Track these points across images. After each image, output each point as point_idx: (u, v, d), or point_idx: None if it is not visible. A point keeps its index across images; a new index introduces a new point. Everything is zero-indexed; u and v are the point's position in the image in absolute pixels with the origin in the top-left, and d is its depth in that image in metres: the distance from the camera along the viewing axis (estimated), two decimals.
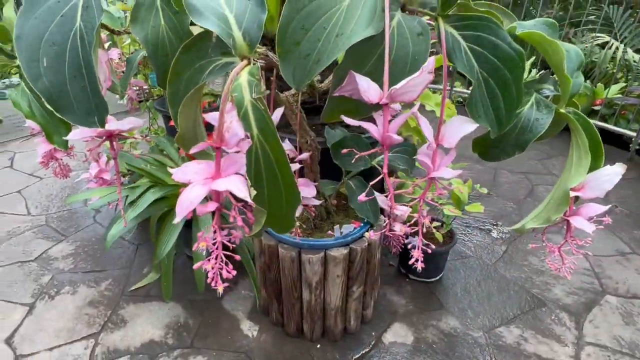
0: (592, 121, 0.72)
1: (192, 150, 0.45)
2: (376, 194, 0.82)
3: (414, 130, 1.68)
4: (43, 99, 0.58)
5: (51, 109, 0.58)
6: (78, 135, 0.72)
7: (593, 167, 0.74)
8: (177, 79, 0.56)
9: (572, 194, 0.70)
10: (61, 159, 1.32)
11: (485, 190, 1.73)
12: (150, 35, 0.62)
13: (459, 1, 0.59)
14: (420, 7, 0.61)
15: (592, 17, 2.95)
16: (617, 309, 1.63)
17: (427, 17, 0.62)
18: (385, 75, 0.54)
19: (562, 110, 0.75)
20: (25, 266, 1.84)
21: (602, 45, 3.01)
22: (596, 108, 2.81)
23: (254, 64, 0.45)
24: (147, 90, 2.13)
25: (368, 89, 0.54)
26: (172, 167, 1.62)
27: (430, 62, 0.53)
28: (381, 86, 0.54)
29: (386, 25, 0.54)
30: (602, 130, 2.66)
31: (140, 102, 2.12)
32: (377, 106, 0.54)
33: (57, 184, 2.45)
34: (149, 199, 1.40)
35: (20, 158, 2.77)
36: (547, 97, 0.79)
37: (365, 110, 0.61)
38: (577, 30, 2.93)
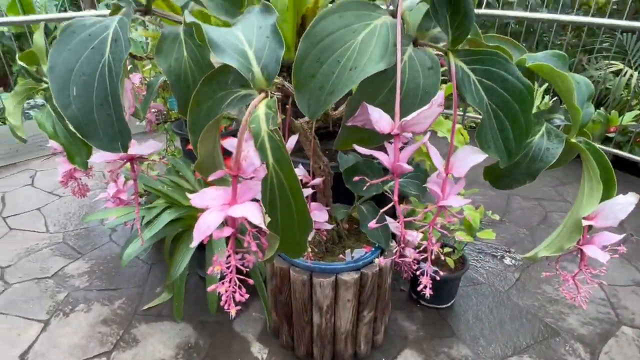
0: (606, 148, 0.73)
1: (211, 178, 0.47)
2: (388, 219, 0.83)
3: (426, 155, 1.69)
4: (71, 125, 0.60)
5: (78, 134, 0.61)
6: (100, 158, 0.75)
7: (606, 196, 0.74)
8: (198, 108, 0.58)
9: (585, 222, 0.70)
10: (80, 179, 1.37)
11: (497, 217, 1.73)
12: (174, 66, 0.65)
13: (468, 37, 0.61)
14: (431, 41, 0.64)
15: (605, 45, 2.96)
16: (634, 340, 1.59)
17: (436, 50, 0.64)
18: (397, 107, 0.56)
19: (573, 140, 0.76)
20: (42, 283, 1.87)
21: (617, 73, 3.01)
22: (610, 135, 2.80)
23: (271, 97, 0.47)
24: (165, 113, 2.20)
25: (380, 119, 0.56)
26: (188, 189, 1.65)
27: (440, 96, 0.55)
28: (393, 117, 0.56)
29: (398, 60, 0.56)
30: (617, 158, 2.64)
31: (158, 124, 2.18)
32: (389, 136, 0.56)
33: (75, 203, 2.50)
34: (165, 220, 1.43)
35: (41, 176, 2.84)
36: (557, 126, 0.80)
37: (377, 139, 0.63)
38: (590, 57, 2.94)
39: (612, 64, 2.82)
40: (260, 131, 0.46)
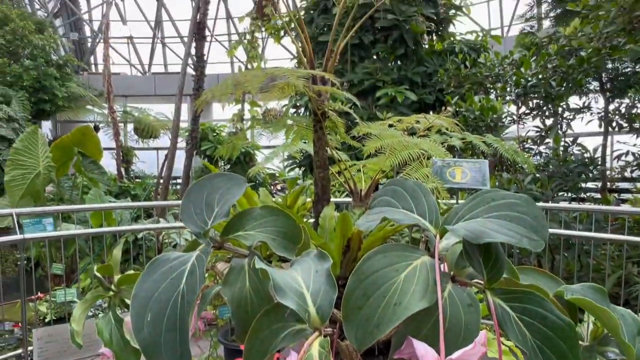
0: None
1: None
2: None
3: None
4: (139, 347, 0.66)
5: (143, 355, 0.66)
6: None
7: None
8: (255, 336, 0.64)
9: None
10: None
11: None
12: (236, 294, 0.73)
13: (504, 276, 0.67)
14: (468, 278, 0.70)
15: None
16: None
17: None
18: (441, 345, 0.58)
19: None
20: None
21: None
22: None
23: (324, 336, 0.52)
24: (213, 318, 2.25)
25: (426, 354, 0.58)
26: None
27: (482, 335, 0.58)
28: (437, 350, 0.58)
29: (438, 297, 0.62)
30: None
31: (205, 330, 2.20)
32: None
33: None
34: None
35: None
36: None
37: None
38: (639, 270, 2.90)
39: None
40: None
